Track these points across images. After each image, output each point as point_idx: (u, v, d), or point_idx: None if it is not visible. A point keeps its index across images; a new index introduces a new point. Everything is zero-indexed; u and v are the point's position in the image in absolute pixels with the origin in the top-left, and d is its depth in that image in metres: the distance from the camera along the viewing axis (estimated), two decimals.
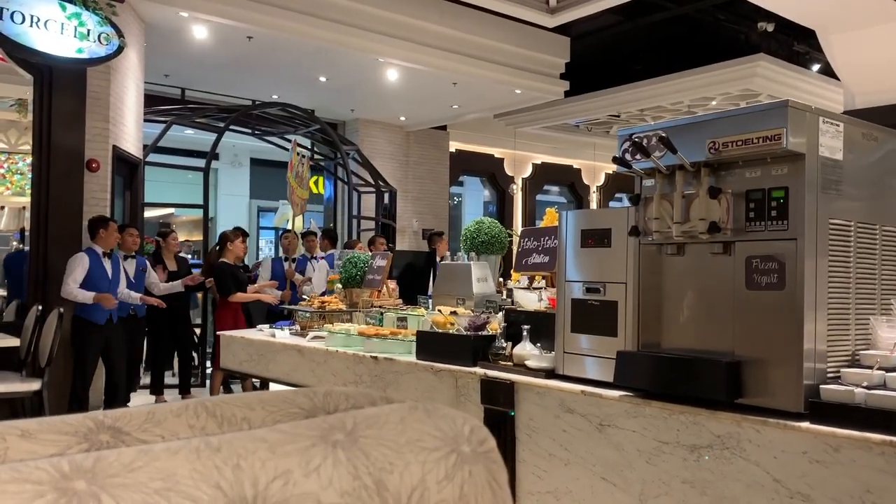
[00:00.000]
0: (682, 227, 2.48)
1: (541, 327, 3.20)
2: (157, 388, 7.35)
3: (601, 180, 16.61)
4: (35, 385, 5.24)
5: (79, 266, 5.93)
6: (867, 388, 2.11)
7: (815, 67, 10.95)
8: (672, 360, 2.49)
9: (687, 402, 2.41)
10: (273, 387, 4.76)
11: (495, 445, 0.50)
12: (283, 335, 4.74)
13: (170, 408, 0.56)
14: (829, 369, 2.25)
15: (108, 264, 6.15)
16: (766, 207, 2.31)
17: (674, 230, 2.49)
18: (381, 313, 4.53)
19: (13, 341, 5.41)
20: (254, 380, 5.88)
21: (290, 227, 8.51)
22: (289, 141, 8.45)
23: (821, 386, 2.18)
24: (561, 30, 9.73)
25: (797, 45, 10.42)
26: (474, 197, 16.46)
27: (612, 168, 15.35)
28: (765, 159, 2.31)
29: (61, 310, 5.35)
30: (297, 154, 7.61)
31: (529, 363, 3.07)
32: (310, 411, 0.56)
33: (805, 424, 2.12)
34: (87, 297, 5.89)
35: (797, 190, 2.25)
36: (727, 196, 2.39)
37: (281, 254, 7.89)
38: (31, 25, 4.97)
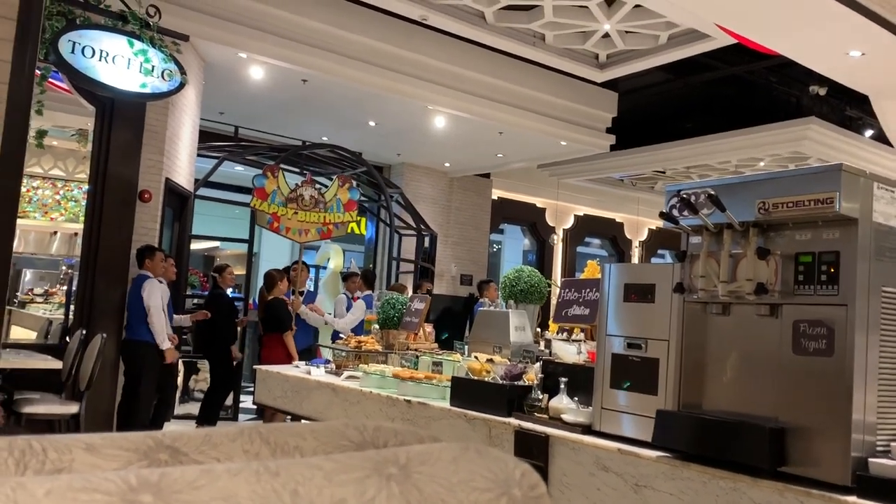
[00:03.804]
0: (729, 286, 2.44)
1: (579, 381, 3.16)
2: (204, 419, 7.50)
3: (644, 235, 16.50)
4: (73, 408, 5.32)
5: (159, 294, 6.11)
6: None
7: (868, 133, 10.82)
8: (714, 423, 2.43)
9: (727, 467, 2.34)
10: None
11: (545, 492, 0.50)
12: (318, 373, 4.75)
13: (226, 432, 0.57)
14: (878, 442, 2.17)
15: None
16: (816, 271, 2.26)
17: (720, 289, 2.46)
18: (417, 356, 4.52)
19: (56, 363, 5.51)
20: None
21: (331, 264, 8.57)
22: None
23: (869, 459, 2.11)
24: (609, 85, 9.81)
25: (850, 109, 10.34)
26: (514, 245, 16.46)
27: (655, 223, 15.26)
28: (816, 222, 2.28)
29: (104, 335, 5.45)
30: (277, 178, 7.76)
31: (566, 417, 3.02)
32: (360, 444, 0.56)
33: (852, 499, 2.04)
34: (164, 338, 6.20)
35: (849, 255, 2.20)
36: (776, 257, 2.36)
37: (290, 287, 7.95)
38: (100, 60, 5.19)
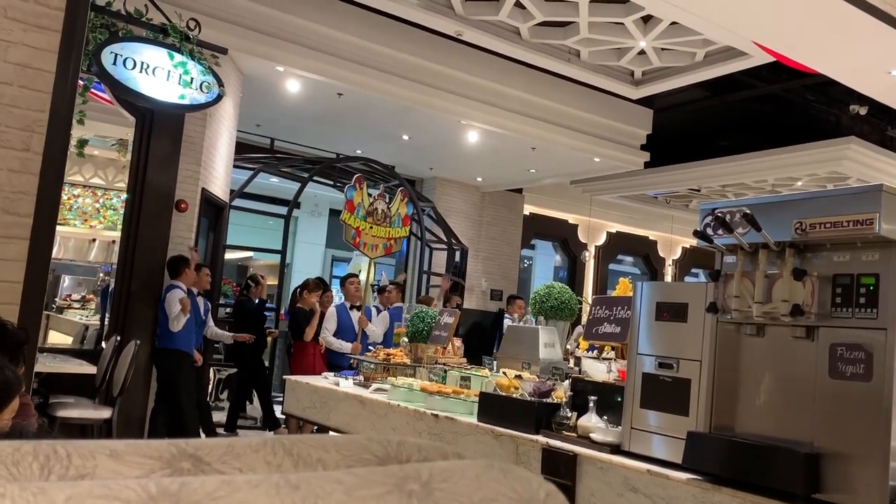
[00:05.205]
0: (764, 307, 2.40)
1: (608, 399, 3.12)
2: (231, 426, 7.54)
3: (677, 254, 16.31)
4: (106, 413, 5.40)
5: (177, 300, 6.20)
6: None
7: None
8: (746, 446, 2.38)
9: (759, 493, 2.29)
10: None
11: None
12: (346, 384, 4.77)
13: (249, 442, 0.57)
14: None
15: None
16: (855, 294, 2.21)
17: (754, 310, 2.42)
18: (445, 370, 4.51)
19: (91, 368, 5.60)
20: None
21: (362, 276, 8.51)
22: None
23: None
24: (645, 101, 9.75)
25: (891, 129, 10.14)
26: (545, 261, 16.38)
27: (689, 242, 15.07)
28: (854, 244, 2.23)
29: (138, 341, 5.54)
30: (363, 190, 7.57)
31: (594, 436, 2.99)
32: (383, 459, 0.56)
33: None
34: (190, 343, 6.33)
35: (889, 278, 2.15)
36: (812, 279, 2.31)
37: (344, 301, 7.78)
38: (141, 72, 5.30)
